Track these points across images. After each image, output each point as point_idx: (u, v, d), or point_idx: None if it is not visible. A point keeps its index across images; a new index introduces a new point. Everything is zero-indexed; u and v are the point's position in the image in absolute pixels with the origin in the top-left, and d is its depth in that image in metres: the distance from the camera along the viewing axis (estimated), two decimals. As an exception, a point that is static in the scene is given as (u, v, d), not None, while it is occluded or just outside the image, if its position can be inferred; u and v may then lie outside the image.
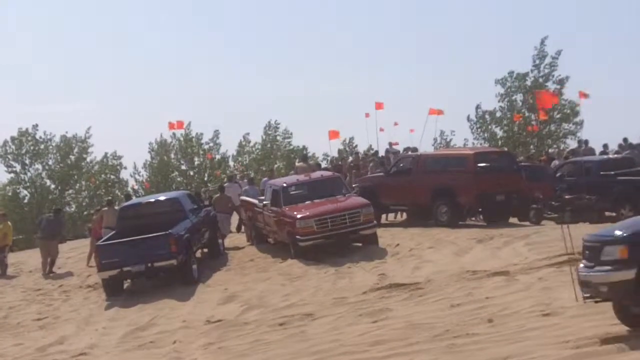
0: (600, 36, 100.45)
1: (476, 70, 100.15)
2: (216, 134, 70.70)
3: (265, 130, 74.41)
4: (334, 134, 52.61)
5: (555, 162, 35.93)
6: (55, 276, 29.42)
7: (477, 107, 64.18)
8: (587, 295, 13.21)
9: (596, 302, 13.13)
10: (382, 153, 47.01)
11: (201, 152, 70.24)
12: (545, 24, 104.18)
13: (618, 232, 13.09)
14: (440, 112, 51.30)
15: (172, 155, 70.27)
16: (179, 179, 69.55)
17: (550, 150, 50.04)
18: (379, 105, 50.54)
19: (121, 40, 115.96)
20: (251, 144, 73.93)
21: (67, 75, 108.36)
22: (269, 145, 73.75)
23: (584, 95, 47.99)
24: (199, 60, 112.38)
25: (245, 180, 35.80)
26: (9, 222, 32.76)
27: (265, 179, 34.20)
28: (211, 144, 70.61)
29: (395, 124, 53.12)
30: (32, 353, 19.66)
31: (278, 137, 74.53)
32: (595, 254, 13.06)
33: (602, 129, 71.98)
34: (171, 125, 60.06)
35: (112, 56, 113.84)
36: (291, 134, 74.35)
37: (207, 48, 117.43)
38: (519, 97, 62.98)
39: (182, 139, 69.61)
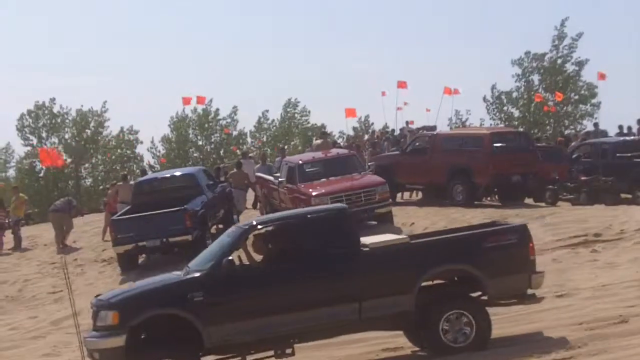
0: (614, 17, 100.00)
1: (491, 51, 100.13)
2: (234, 110, 70.59)
3: (285, 107, 74.40)
4: (350, 112, 52.47)
5: (573, 144, 35.82)
6: (70, 250, 29.49)
7: (493, 87, 63.95)
8: None
9: None
10: (397, 132, 46.91)
11: (218, 127, 70.18)
12: (562, 6, 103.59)
13: (110, 297, 13.26)
14: (456, 92, 51.05)
15: (190, 131, 70.22)
16: (195, 154, 69.52)
17: (566, 132, 49.91)
18: (401, 84, 50.15)
19: (139, 16, 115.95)
20: (269, 121, 73.94)
21: (86, 49, 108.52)
22: (286, 123, 73.69)
23: (602, 76, 47.74)
24: (218, 39, 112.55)
25: (252, 160, 35.71)
26: (22, 195, 32.87)
27: (278, 157, 34.14)
28: (229, 120, 70.49)
29: (405, 103, 52.73)
30: (46, 326, 19.80)
31: (296, 115, 74.47)
32: (94, 319, 13.13)
33: (616, 110, 71.61)
34: (185, 100, 59.33)
35: (131, 31, 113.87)
36: (309, 112, 74.42)
37: (226, 27, 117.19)
38: (535, 78, 62.68)
39: (201, 113, 69.51)
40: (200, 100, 60.42)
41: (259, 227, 13.74)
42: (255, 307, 12.89)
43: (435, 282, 13.71)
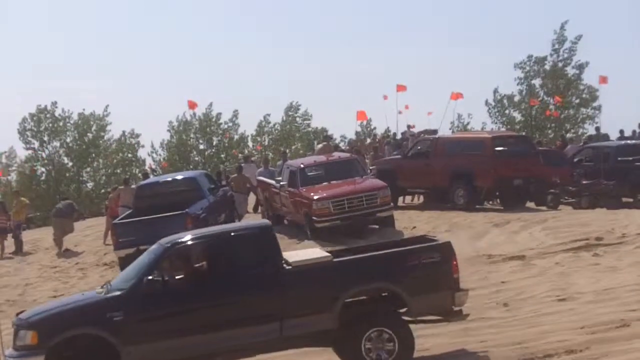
0: (615, 21, 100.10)
1: (494, 54, 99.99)
2: (235, 114, 70.65)
3: (287, 111, 74.46)
4: (361, 115, 52.41)
5: (569, 147, 35.90)
6: (72, 254, 29.51)
7: (495, 91, 63.97)
8: None
9: None
10: (399, 135, 46.93)
11: (220, 131, 70.22)
12: (564, 9, 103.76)
13: (30, 316, 13.11)
14: (459, 96, 51.07)
15: (192, 135, 70.26)
16: (196, 158, 69.55)
17: (568, 135, 49.93)
18: (400, 88, 50.20)
19: (141, 20, 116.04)
20: (271, 125, 73.96)
21: (87, 53, 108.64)
22: (288, 127, 73.73)
23: (603, 80, 47.76)
24: (219, 42, 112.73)
25: (254, 164, 35.74)
26: (23, 199, 32.92)
27: (280, 161, 34.16)
28: (230, 124, 70.56)
29: (406, 107, 52.77)
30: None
31: (297, 119, 74.53)
32: (14, 338, 13.00)
33: (617, 114, 71.71)
34: (191, 105, 58.52)
35: (132, 35, 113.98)
36: (311, 116, 74.48)
37: (226, 29, 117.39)
38: (537, 82, 62.72)
39: (202, 117, 69.52)
40: (191, 104, 58.99)
41: (181, 244, 13.65)
42: (175, 326, 12.80)
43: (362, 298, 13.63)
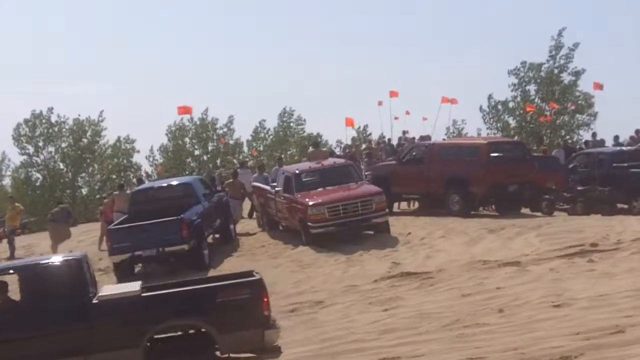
0: (609, 27, 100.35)
1: (486, 60, 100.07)
2: (230, 119, 70.73)
3: (280, 116, 74.48)
4: (350, 122, 52.57)
5: (555, 151, 36.01)
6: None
7: (489, 97, 63.98)
8: None
9: None
10: (394, 141, 46.95)
11: (215, 137, 70.24)
12: (557, 17, 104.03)
13: None
14: (454, 101, 51.16)
15: (187, 140, 70.26)
16: (192, 163, 69.53)
17: (556, 142, 49.98)
18: (393, 94, 50.41)
19: (137, 24, 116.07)
20: (266, 130, 73.99)
21: (83, 57, 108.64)
22: (281, 133, 73.72)
23: (598, 86, 47.83)
24: (215, 46, 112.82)
25: (249, 170, 35.70)
26: (17, 205, 32.90)
27: (276, 167, 34.16)
28: (225, 129, 70.59)
29: (407, 112, 52.95)
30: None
31: (292, 124, 74.53)
32: None
33: (612, 121, 71.86)
34: (180, 110, 57.59)
35: (128, 39, 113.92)
36: (304, 120, 74.50)
37: (223, 34, 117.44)
38: (532, 88, 62.75)
39: (198, 123, 69.54)
40: (186, 109, 57.96)
41: None
42: None
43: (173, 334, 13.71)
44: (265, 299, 13.50)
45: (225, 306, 13.27)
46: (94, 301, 13.33)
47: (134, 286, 14.19)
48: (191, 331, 13.62)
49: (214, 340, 13.28)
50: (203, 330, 13.32)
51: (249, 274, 14.49)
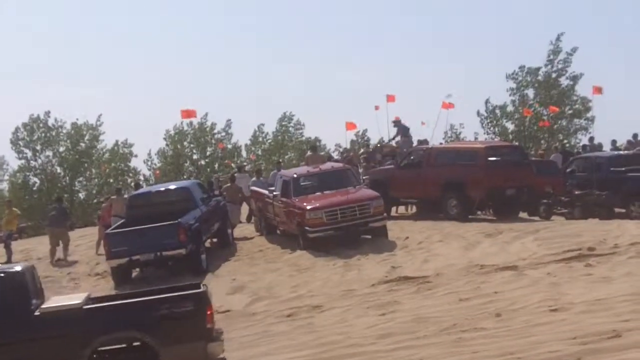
0: (606, 31, 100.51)
1: (483, 64, 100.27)
2: (228, 123, 70.74)
3: (280, 121, 74.50)
4: (350, 126, 52.48)
5: (553, 156, 36.01)
6: (64, 264, 29.45)
7: (487, 101, 64.03)
8: None
9: None
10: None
11: (214, 141, 70.24)
12: (553, 21, 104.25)
13: None
14: (450, 106, 51.11)
15: (186, 144, 70.26)
16: (190, 168, 69.54)
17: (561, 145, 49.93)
18: (390, 98, 50.32)
19: (137, 28, 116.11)
20: (264, 134, 74.02)
21: (82, 61, 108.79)
22: (280, 137, 73.73)
23: (598, 90, 47.82)
24: (214, 50, 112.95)
25: (247, 174, 35.70)
26: (14, 209, 32.90)
27: (274, 171, 34.18)
28: (223, 134, 70.57)
29: (396, 117, 52.72)
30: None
31: (290, 129, 74.55)
32: None
33: (610, 125, 71.88)
34: (184, 114, 57.67)
35: (128, 43, 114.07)
36: (303, 125, 74.53)
37: (221, 38, 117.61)
38: (530, 92, 62.81)
39: (197, 127, 69.58)
40: (190, 113, 57.96)
41: None
42: None
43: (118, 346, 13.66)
44: (209, 312, 13.41)
45: (168, 318, 13.21)
46: (36, 313, 13.25)
47: (79, 298, 14.13)
48: (136, 344, 13.54)
49: (157, 353, 13.21)
50: (144, 343, 13.25)
51: (196, 286, 14.39)
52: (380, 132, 76.60)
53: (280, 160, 49.49)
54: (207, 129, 70.07)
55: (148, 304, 13.62)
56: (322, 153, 54.24)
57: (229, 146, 70.78)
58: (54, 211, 30.98)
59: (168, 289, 14.82)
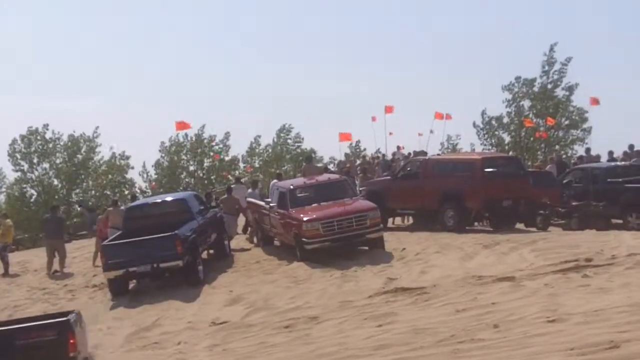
0: (602, 42, 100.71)
1: (479, 76, 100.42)
2: (227, 135, 70.68)
3: (278, 133, 74.50)
4: (344, 137, 52.51)
5: (548, 167, 36.05)
6: (61, 276, 29.42)
7: (483, 112, 64.04)
8: None
9: None
10: (389, 156, 46.96)
11: (211, 153, 70.23)
12: (549, 32, 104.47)
13: None
14: (448, 117, 51.13)
15: (183, 156, 70.25)
16: (187, 179, 69.53)
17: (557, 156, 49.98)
18: (388, 109, 50.36)
19: (133, 37, 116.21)
20: (261, 147, 74.01)
21: (78, 72, 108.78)
22: (279, 148, 73.75)
23: (595, 101, 47.85)
24: (211, 61, 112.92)
25: (244, 185, 35.67)
26: (8, 221, 32.90)
27: (274, 181, 34.16)
28: (221, 145, 70.56)
29: (390, 133, 52.60)
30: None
31: (289, 141, 74.55)
32: None
33: (606, 136, 71.89)
34: (178, 126, 57.43)
35: (124, 54, 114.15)
36: (302, 138, 74.60)
37: (218, 49, 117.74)
38: (526, 104, 62.83)
39: (193, 139, 69.57)
40: (183, 125, 57.67)
41: None
42: None
43: None
44: (72, 341, 13.27)
45: (27, 348, 13.07)
46: None
47: None
48: None
49: None
50: None
51: (64, 314, 14.28)
52: (377, 143, 76.60)
53: (280, 173, 49.54)
54: (205, 141, 70.00)
55: (7, 333, 13.44)
56: (320, 164, 54.27)
57: (227, 158, 70.73)
58: (50, 222, 30.94)
59: (33, 318, 14.72)
